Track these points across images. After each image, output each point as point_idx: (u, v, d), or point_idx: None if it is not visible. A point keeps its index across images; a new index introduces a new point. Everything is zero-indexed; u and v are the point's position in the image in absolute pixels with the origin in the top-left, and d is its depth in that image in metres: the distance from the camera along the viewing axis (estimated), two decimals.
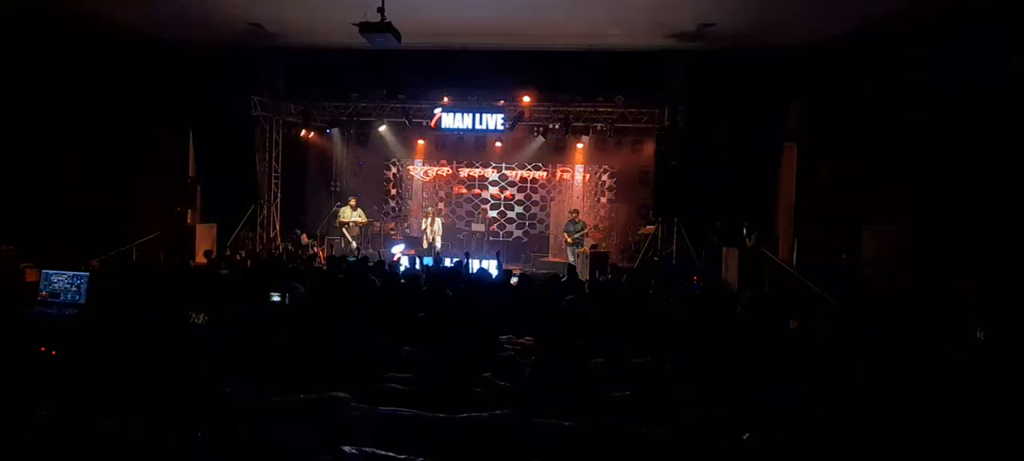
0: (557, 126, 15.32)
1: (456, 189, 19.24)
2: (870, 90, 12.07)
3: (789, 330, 8.59)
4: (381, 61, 14.72)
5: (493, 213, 18.89)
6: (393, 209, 19.63)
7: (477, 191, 19.28)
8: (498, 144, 17.72)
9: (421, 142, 18.37)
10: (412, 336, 6.85)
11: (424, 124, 16.24)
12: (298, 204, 17.74)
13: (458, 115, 15.38)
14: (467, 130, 15.71)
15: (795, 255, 13.64)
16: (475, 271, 11.85)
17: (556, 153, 17.28)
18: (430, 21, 12.69)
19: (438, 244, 16.19)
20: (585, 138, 16.62)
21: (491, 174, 19.18)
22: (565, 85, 15.16)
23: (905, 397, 4.67)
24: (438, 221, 16.47)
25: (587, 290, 9.08)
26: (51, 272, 7.53)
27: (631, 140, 16.28)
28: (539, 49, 14.50)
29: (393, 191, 19.63)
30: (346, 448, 2.70)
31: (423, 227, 16.42)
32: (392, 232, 18.45)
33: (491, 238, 17.95)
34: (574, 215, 16.09)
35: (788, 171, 14.44)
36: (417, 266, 12.08)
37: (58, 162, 13.06)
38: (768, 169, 14.37)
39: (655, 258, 14.78)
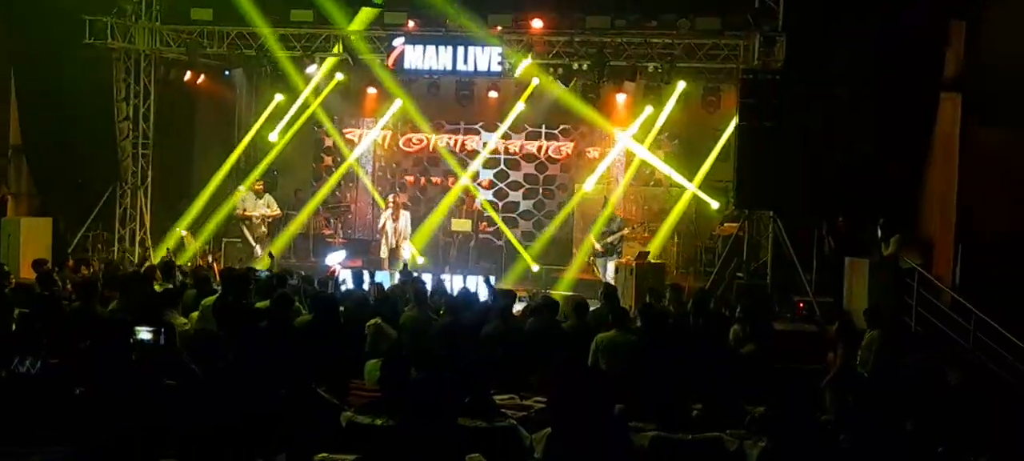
0: (586, 65, 15.26)
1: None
2: None
3: (949, 387, 8.56)
4: None
5: (487, 201, 18.88)
6: (330, 197, 19.60)
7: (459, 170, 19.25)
8: (492, 94, 17.63)
9: (373, 92, 18.27)
10: (357, 394, 6.84)
11: (379, 63, 16.19)
12: (181, 187, 17.71)
13: (430, 49, 15.28)
14: (444, 72, 15.63)
15: (957, 269, 13.58)
16: (455, 293, 11.85)
17: (584, 110, 17.22)
18: None
19: (407, 253, 16.12)
20: (629, 85, 16.52)
21: (483, 143, 19.16)
22: (598, 2, 15.11)
23: None
24: (405, 216, 16.39)
25: (637, 324, 9.06)
26: None
27: (702, 89, 16.15)
28: None
29: (329, 166, 19.62)
30: None
31: (381, 224, 16.36)
32: (327, 233, 18.35)
33: (481, 238, 17.89)
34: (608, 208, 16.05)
35: (945, 139, 14.38)
36: (366, 285, 12.04)
37: None
38: (913, 135, 14.32)
39: (739, 275, 14.73)
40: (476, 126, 19.23)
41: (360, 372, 7.61)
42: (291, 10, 15.70)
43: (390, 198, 16.95)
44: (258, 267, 14.35)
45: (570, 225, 18.63)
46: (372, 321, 8.94)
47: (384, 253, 16.00)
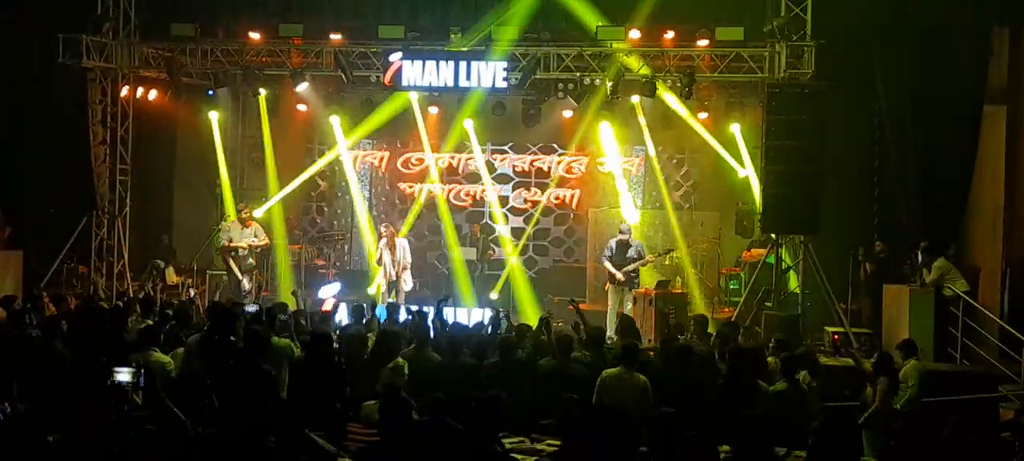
0: (600, 79, 15.29)
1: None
2: None
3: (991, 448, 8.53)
4: None
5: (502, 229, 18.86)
6: (322, 225, 19.65)
7: (465, 191, 19.33)
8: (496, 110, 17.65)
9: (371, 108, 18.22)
10: (355, 438, 6.87)
11: (373, 80, 16.25)
12: (163, 216, 17.72)
13: (430, 65, 15.31)
14: (446, 89, 15.70)
15: (1006, 297, 13.51)
16: (450, 324, 11.95)
17: (597, 126, 17.22)
18: None
19: (408, 285, 16.11)
20: (646, 100, 16.54)
21: (486, 162, 19.13)
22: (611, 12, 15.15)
23: None
24: (404, 246, 16.34)
25: (657, 359, 9.05)
26: None
27: (724, 102, 16.16)
28: None
29: (322, 191, 19.68)
30: None
31: (379, 257, 16.29)
32: (320, 264, 18.30)
33: (489, 271, 17.85)
34: (624, 233, 15.99)
35: (991, 155, 14.34)
36: (365, 319, 12.06)
37: None
38: (955, 150, 14.30)
39: (767, 305, 14.67)
40: (505, 146, 19.30)
41: (358, 414, 7.60)
42: (279, 25, 15.73)
43: (382, 228, 16.84)
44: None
45: (584, 251, 18.66)
46: (395, 362, 8.95)
47: (384, 287, 15.94)
